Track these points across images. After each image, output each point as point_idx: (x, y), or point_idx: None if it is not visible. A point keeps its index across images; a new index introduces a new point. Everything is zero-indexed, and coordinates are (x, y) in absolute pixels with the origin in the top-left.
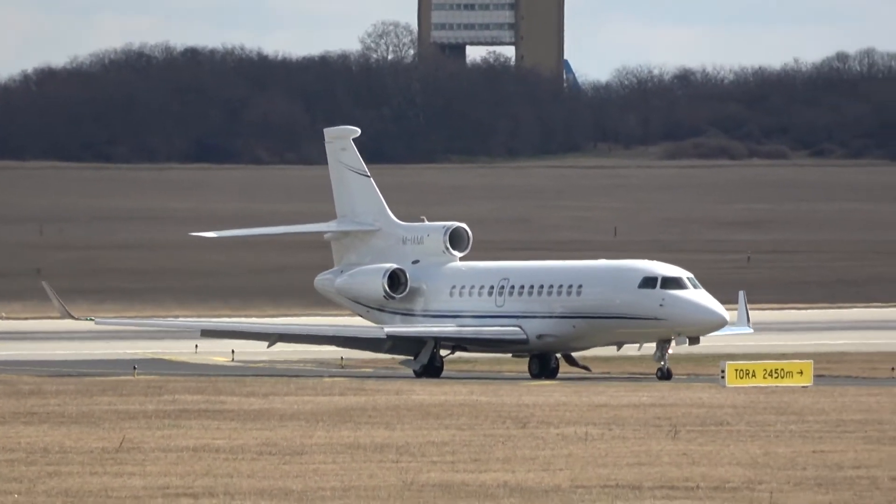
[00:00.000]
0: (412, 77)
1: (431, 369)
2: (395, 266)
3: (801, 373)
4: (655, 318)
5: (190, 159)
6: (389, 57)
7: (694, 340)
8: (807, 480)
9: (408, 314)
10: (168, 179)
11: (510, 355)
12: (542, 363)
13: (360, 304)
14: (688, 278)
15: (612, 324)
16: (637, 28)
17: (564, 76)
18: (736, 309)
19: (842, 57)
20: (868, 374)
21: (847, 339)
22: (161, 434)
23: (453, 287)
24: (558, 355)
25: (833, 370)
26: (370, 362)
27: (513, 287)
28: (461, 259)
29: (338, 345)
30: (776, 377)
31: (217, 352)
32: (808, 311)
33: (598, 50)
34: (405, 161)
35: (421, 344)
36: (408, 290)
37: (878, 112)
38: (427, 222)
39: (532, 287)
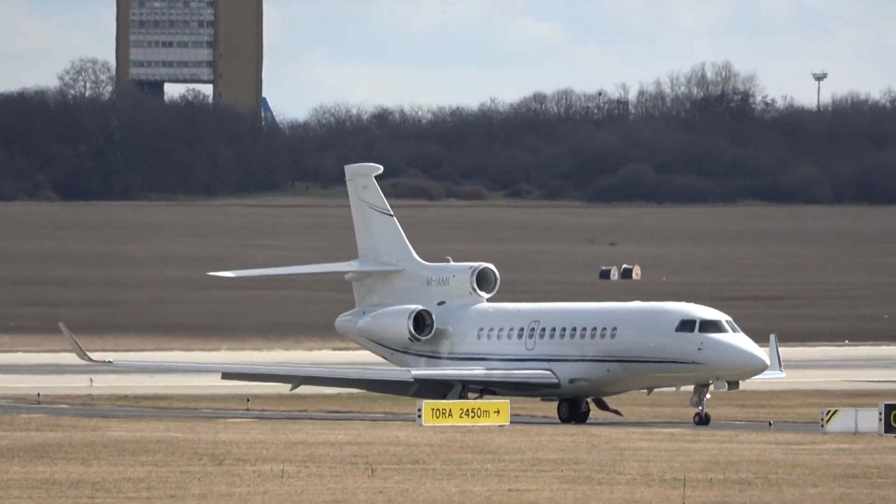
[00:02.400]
0: (110, 114)
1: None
2: (420, 307)
3: (498, 412)
4: (694, 363)
5: None
6: (87, 93)
7: (733, 385)
8: None
9: (433, 357)
10: None
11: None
12: (573, 407)
13: (384, 347)
14: (726, 321)
15: (648, 367)
16: (335, 67)
17: (262, 114)
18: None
19: (539, 98)
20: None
21: None
22: None
23: (481, 329)
24: (589, 400)
25: (530, 410)
26: (66, 398)
27: (543, 329)
28: (488, 300)
29: (363, 388)
30: (473, 417)
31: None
32: None
33: (296, 88)
34: (103, 198)
35: (448, 387)
36: (433, 332)
37: (574, 153)
38: (452, 263)
39: (564, 329)
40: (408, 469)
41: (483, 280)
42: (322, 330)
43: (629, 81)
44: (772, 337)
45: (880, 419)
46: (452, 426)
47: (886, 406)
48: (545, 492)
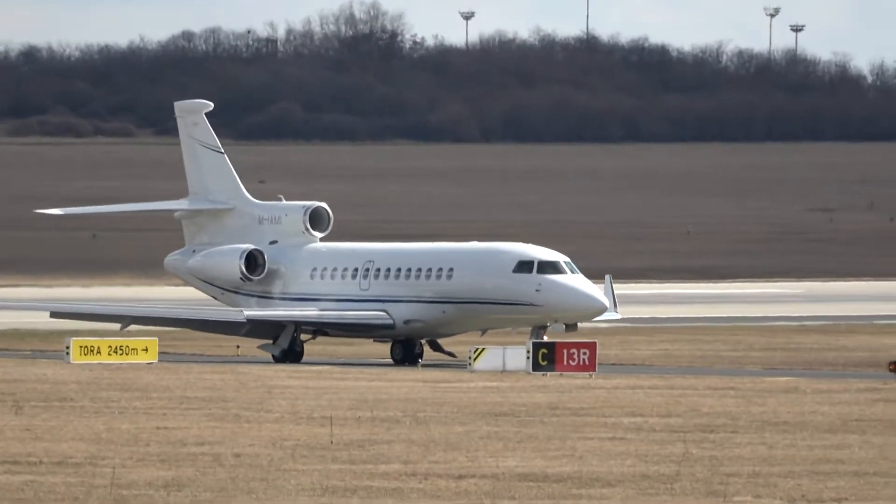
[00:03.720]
0: None
1: (292, 354)
2: (252, 247)
3: (147, 350)
4: (531, 304)
5: None
6: None
7: (571, 327)
8: (150, 456)
9: (265, 297)
10: None
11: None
12: (406, 349)
13: (214, 286)
14: (565, 262)
15: (485, 309)
16: None
17: None
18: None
19: (187, 35)
20: (213, 352)
21: None
22: None
23: (314, 269)
24: (423, 341)
25: (178, 347)
26: None
27: (378, 270)
28: (321, 240)
29: (194, 328)
30: (121, 354)
31: None
32: None
33: None
34: None
35: (280, 328)
36: (266, 272)
37: (222, 91)
38: (285, 201)
39: (399, 270)
40: (55, 406)
41: (316, 219)
42: (150, 268)
43: (277, 20)
44: (607, 277)
45: (528, 357)
46: (101, 364)
47: (534, 344)
48: (193, 429)
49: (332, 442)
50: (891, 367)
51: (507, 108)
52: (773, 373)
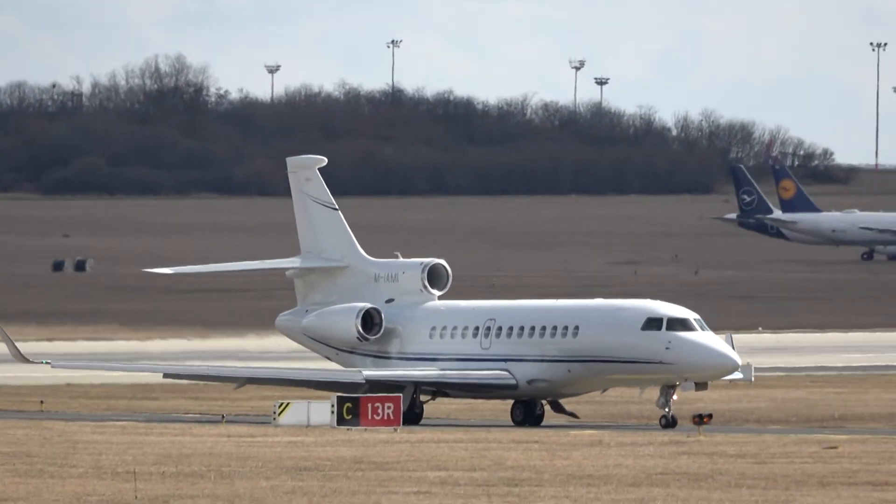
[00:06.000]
0: None
1: (411, 416)
2: (368, 305)
3: None
4: (661, 363)
5: None
6: None
7: (701, 386)
8: None
9: (381, 357)
10: None
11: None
12: (527, 409)
13: (328, 346)
14: (695, 319)
15: (612, 368)
16: None
17: None
18: None
19: None
20: (16, 407)
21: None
22: None
23: (433, 328)
24: (544, 402)
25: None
26: None
27: (500, 328)
28: (439, 298)
29: (312, 388)
30: None
31: None
32: None
33: None
34: None
35: (400, 389)
36: (382, 331)
37: (28, 145)
38: (402, 258)
39: (522, 328)
40: None
41: (434, 276)
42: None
43: (83, 74)
44: (728, 335)
45: (332, 412)
46: None
47: (339, 398)
48: None
49: (136, 497)
50: (694, 420)
51: None
52: (577, 425)
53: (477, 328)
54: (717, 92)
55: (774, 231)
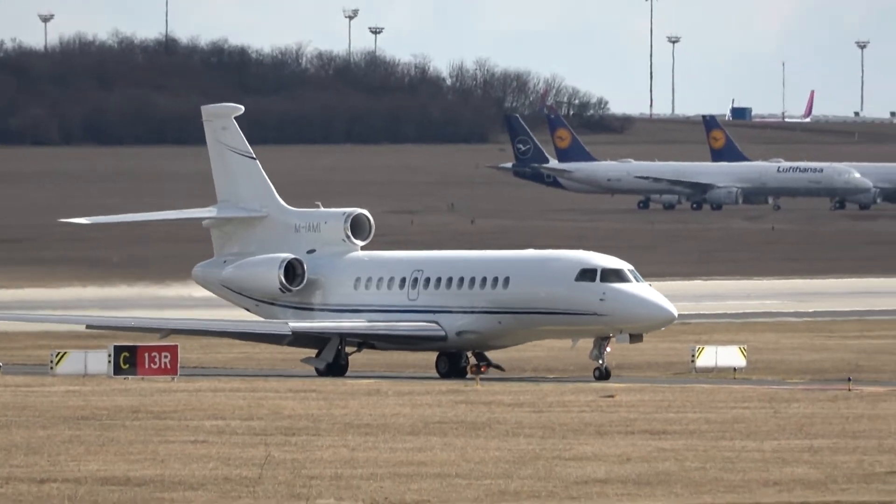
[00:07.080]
0: None
1: (336, 367)
2: (291, 256)
3: None
4: (595, 314)
5: None
6: None
7: (636, 338)
8: None
9: (304, 308)
10: None
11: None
12: (452, 361)
13: (248, 298)
14: (629, 270)
15: (544, 319)
16: None
17: None
18: None
19: None
20: None
21: None
22: None
23: (357, 279)
24: (470, 353)
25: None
26: None
27: (427, 279)
28: (362, 248)
29: (236, 339)
30: None
31: None
32: None
33: None
34: None
35: (325, 341)
36: (305, 282)
37: None
38: (323, 208)
39: (451, 279)
40: None
41: (357, 226)
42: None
43: None
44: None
45: (109, 361)
46: None
47: (116, 348)
48: None
49: None
50: (471, 369)
51: (87, 111)
52: (356, 374)
53: (404, 279)
54: (491, 41)
55: (551, 180)
